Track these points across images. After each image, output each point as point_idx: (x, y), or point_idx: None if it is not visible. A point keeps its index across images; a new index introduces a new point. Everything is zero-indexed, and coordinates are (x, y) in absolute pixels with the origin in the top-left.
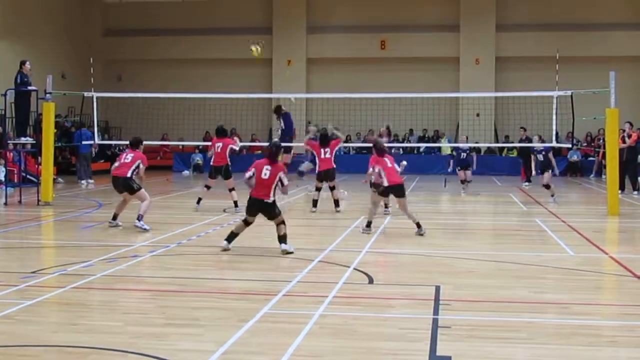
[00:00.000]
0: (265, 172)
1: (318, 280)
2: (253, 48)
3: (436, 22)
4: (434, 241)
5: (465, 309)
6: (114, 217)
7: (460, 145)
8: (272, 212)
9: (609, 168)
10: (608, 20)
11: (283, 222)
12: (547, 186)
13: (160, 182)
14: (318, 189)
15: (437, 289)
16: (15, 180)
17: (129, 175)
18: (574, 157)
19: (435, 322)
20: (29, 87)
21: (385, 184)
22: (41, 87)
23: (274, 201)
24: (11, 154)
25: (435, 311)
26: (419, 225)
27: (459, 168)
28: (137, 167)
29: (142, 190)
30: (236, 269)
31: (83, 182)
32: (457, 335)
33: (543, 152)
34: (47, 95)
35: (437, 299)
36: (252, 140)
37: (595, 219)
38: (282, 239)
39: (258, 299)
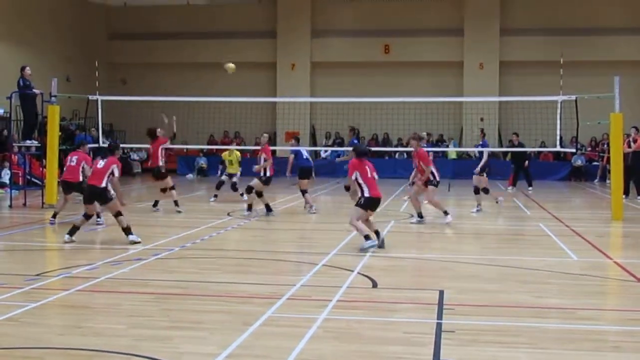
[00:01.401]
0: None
1: (322, 284)
2: (231, 65)
3: (440, 27)
4: (437, 245)
5: (469, 314)
6: (54, 215)
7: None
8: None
9: (613, 173)
10: (612, 25)
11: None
12: (486, 190)
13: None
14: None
15: (441, 293)
16: (20, 183)
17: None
18: (578, 161)
19: (439, 326)
20: (33, 90)
21: (366, 194)
22: (46, 90)
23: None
24: (16, 156)
25: (439, 315)
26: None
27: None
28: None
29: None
30: (240, 273)
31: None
32: (461, 339)
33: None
34: (52, 98)
35: (440, 304)
36: (256, 144)
37: (599, 224)
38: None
39: (262, 303)
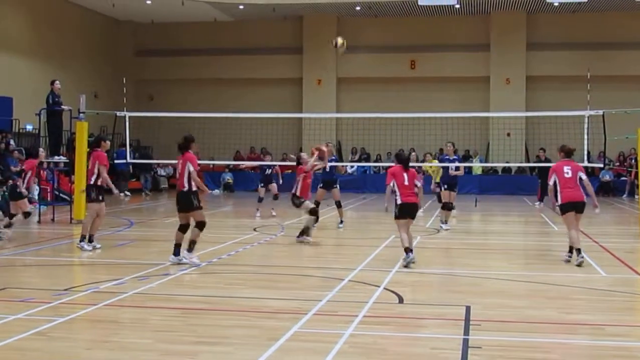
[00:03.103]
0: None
1: (348, 300)
2: (340, 40)
3: (466, 42)
4: (464, 261)
5: (495, 330)
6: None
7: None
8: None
9: None
10: (639, 39)
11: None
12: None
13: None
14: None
15: (468, 309)
16: (48, 199)
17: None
18: (606, 177)
19: (465, 342)
20: (61, 107)
21: (398, 201)
22: (74, 106)
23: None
24: (44, 172)
25: (466, 331)
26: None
27: (445, 187)
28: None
29: (92, 204)
30: (266, 288)
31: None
32: (487, 355)
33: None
34: (80, 114)
35: (467, 319)
36: (283, 160)
37: (627, 240)
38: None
39: (288, 318)
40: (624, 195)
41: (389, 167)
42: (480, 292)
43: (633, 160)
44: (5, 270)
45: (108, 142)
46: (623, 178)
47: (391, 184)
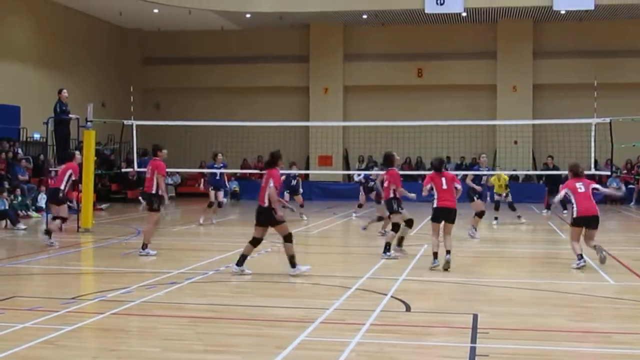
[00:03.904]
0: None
1: (355, 308)
2: None
3: (473, 50)
4: (471, 269)
5: (503, 338)
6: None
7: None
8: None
9: None
10: None
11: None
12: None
13: (199, 209)
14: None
15: (475, 317)
16: None
17: (153, 191)
18: (614, 184)
19: (473, 350)
20: (69, 116)
21: (434, 205)
22: (81, 115)
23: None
24: (52, 181)
25: (473, 339)
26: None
27: (477, 196)
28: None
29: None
30: (273, 296)
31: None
32: None
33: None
34: (88, 123)
35: (474, 327)
36: (290, 168)
37: (635, 247)
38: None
39: (295, 326)
40: (632, 203)
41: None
42: (487, 300)
43: None
44: (13, 279)
45: (165, 151)
46: (631, 186)
47: (428, 186)
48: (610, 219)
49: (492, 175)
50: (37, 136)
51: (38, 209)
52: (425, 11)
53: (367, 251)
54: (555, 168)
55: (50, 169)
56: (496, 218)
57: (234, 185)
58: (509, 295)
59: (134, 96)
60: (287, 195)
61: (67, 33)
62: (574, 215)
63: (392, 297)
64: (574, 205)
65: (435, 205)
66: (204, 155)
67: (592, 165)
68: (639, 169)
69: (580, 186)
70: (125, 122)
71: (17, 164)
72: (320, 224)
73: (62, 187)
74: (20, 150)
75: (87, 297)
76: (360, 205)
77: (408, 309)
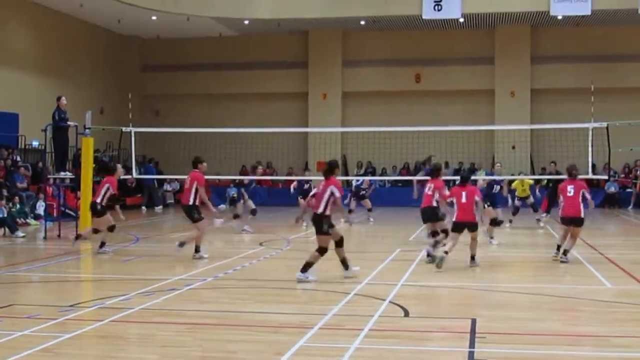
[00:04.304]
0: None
1: (354, 313)
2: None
3: (471, 55)
4: (469, 274)
5: (501, 342)
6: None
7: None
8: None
9: None
10: None
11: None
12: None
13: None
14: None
15: (473, 321)
16: (55, 215)
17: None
18: (611, 188)
19: (471, 355)
20: (67, 123)
21: (453, 219)
22: (80, 122)
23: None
24: (50, 188)
25: (471, 344)
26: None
27: (488, 204)
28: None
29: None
30: (272, 302)
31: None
32: None
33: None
34: (86, 130)
35: (473, 332)
36: (289, 174)
37: (632, 251)
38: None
39: (294, 332)
40: (630, 207)
41: (395, 180)
42: (485, 304)
43: (638, 172)
44: (11, 287)
45: (205, 164)
46: (628, 190)
47: (449, 200)
48: (608, 223)
49: (512, 180)
50: (35, 143)
51: (36, 217)
52: (423, 17)
53: (365, 256)
54: (557, 173)
55: (49, 176)
56: (510, 221)
57: (233, 192)
58: (506, 300)
59: (132, 103)
60: (353, 203)
61: (65, 40)
62: (560, 215)
63: (390, 302)
64: (561, 206)
65: (454, 220)
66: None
67: (590, 170)
68: (637, 172)
69: (570, 190)
70: (124, 129)
71: (15, 172)
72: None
73: (98, 201)
74: (18, 158)
75: (86, 304)
76: (350, 211)
77: (406, 314)
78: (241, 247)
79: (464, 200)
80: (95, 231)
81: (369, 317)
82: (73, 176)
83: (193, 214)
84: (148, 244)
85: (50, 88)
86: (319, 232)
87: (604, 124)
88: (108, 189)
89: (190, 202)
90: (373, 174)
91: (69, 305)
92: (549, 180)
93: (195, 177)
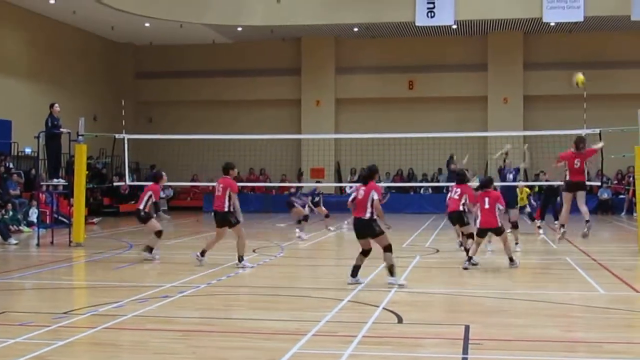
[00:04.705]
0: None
1: (347, 320)
2: (580, 77)
3: (464, 62)
4: (463, 280)
5: (495, 348)
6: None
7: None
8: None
9: None
10: (636, 58)
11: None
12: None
13: (190, 222)
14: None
15: (467, 328)
16: (48, 222)
17: (227, 209)
18: (604, 195)
19: None
20: (60, 130)
21: (477, 225)
22: (73, 129)
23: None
24: (43, 195)
25: (465, 350)
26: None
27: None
28: (149, 198)
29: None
30: (266, 309)
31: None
32: None
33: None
34: (79, 137)
35: (466, 338)
36: (282, 181)
37: (626, 257)
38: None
39: (287, 339)
40: (623, 213)
41: (388, 187)
42: (480, 310)
43: (631, 178)
44: (4, 294)
45: (236, 170)
46: (621, 196)
47: (475, 208)
48: (601, 229)
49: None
50: (28, 150)
51: (29, 224)
52: (416, 24)
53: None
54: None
55: (42, 183)
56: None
57: None
58: (500, 306)
59: (125, 110)
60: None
61: (58, 47)
62: (566, 179)
63: (384, 309)
64: (567, 175)
65: (479, 226)
66: (196, 169)
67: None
68: (630, 179)
69: (577, 162)
70: (117, 136)
71: (8, 179)
72: (312, 235)
73: (141, 207)
74: (11, 165)
75: (79, 311)
76: (327, 216)
77: (400, 320)
78: (234, 253)
79: (487, 206)
80: (159, 233)
81: (362, 323)
82: (66, 183)
83: (230, 219)
84: (141, 251)
85: (43, 95)
86: (373, 235)
87: (597, 131)
88: (151, 196)
89: (226, 209)
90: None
91: (62, 313)
92: (540, 187)
93: (228, 183)
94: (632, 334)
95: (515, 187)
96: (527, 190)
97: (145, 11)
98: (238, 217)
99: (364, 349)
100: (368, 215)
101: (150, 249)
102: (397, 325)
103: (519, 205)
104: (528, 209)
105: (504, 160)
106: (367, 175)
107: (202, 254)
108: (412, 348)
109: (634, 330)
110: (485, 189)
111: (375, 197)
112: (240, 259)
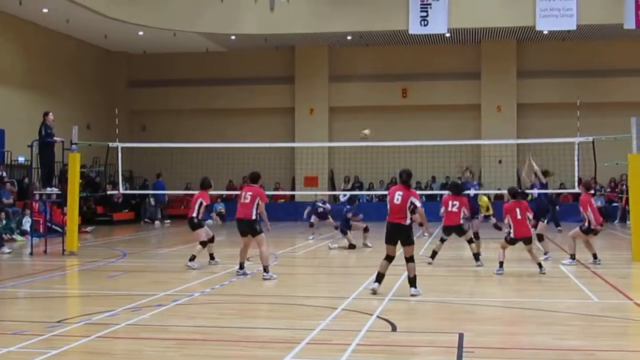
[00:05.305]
0: (397, 197)
1: (341, 328)
2: (366, 132)
3: (457, 70)
4: (457, 288)
5: (489, 357)
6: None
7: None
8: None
9: (633, 213)
10: (628, 67)
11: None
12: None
13: (184, 231)
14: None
15: (461, 336)
16: (41, 230)
17: (254, 217)
18: (598, 203)
19: None
20: (54, 138)
21: (511, 235)
22: (67, 137)
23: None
24: (37, 204)
25: (459, 358)
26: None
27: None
28: (200, 205)
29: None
30: (260, 317)
31: (157, 222)
32: None
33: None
34: (73, 146)
35: (460, 347)
36: (276, 189)
37: (619, 265)
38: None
39: (282, 347)
40: (616, 221)
41: (382, 195)
42: (473, 319)
43: (624, 186)
44: None
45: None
46: (615, 204)
47: (506, 220)
48: (594, 237)
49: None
50: (21, 159)
51: (23, 233)
52: (410, 32)
53: (352, 271)
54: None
55: (35, 192)
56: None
57: (220, 207)
58: (494, 314)
59: (119, 118)
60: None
61: (52, 55)
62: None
63: (378, 317)
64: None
65: (512, 237)
66: (189, 177)
67: (576, 184)
68: (623, 187)
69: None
70: (111, 144)
71: (1, 188)
72: (306, 244)
73: (194, 215)
74: (5, 174)
75: (73, 320)
76: (312, 225)
77: (394, 328)
78: (228, 262)
79: (518, 216)
80: (203, 244)
81: (356, 332)
82: (59, 192)
83: (256, 227)
84: (135, 260)
85: (36, 103)
86: (408, 242)
87: (590, 139)
88: (201, 203)
89: (254, 217)
90: (360, 188)
91: (56, 322)
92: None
93: (257, 192)
94: (626, 342)
95: (476, 197)
96: (486, 199)
97: (139, 20)
98: (265, 227)
99: (358, 357)
100: (408, 221)
101: (193, 258)
102: (391, 333)
103: (482, 214)
104: (493, 220)
105: (464, 174)
106: (405, 180)
107: (241, 267)
108: (406, 356)
109: (627, 338)
110: (515, 199)
111: (418, 204)
112: (266, 269)
